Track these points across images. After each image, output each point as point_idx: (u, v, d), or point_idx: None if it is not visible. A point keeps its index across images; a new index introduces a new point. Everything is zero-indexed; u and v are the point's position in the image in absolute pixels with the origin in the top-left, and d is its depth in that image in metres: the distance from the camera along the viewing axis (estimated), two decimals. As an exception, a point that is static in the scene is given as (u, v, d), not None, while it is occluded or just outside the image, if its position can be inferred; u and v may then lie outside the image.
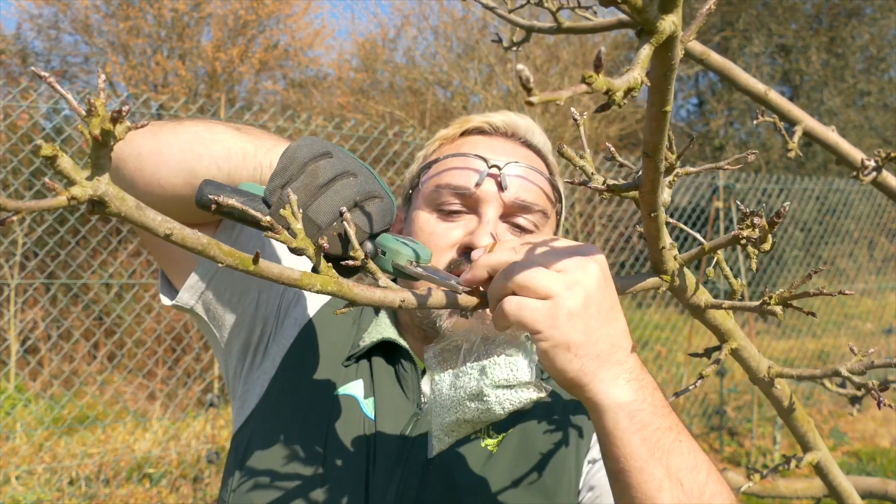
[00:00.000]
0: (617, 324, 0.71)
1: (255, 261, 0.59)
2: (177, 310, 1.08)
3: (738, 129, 14.59)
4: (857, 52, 14.87)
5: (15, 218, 0.47)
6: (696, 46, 1.05)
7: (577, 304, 0.68)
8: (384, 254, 0.80)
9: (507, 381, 0.77)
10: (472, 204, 1.00)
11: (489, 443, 1.00)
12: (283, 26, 12.70)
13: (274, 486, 0.96)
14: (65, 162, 0.49)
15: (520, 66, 0.41)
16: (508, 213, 1.00)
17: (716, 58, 1.05)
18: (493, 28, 9.86)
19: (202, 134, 0.93)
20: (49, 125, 5.20)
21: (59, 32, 11.87)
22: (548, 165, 1.10)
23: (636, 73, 0.46)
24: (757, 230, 0.64)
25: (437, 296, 0.71)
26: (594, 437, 1.02)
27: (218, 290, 1.05)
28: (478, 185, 0.98)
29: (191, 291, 1.05)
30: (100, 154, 0.50)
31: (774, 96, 1.09)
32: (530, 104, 0.42)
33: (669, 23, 0.47)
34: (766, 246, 0.65)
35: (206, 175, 0.90)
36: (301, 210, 0.76)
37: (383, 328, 1.07)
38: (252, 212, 0.64)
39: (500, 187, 0.99)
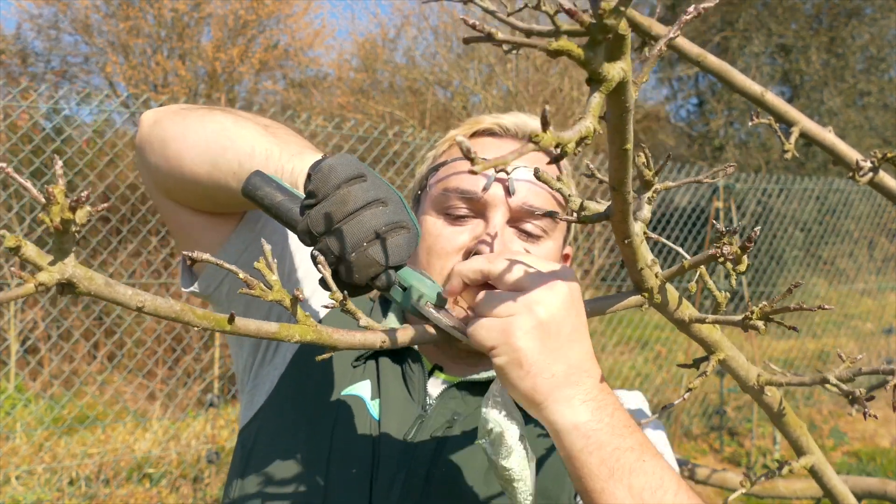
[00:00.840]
0: (579, 346, 0.71)
1: (231, 321, 0.60)
2: (194, 296, 1.08)
3: (738, 129, 14.58)
4: (857, 52, 14.86)
5: None
6: (693, 49, 1.05)
7: (533, 322, 0.68)
8: (403, 287, 0.80)
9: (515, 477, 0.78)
10: (479, 208, 0.99)
11: None
12: (283, 26, 12.70)
13: (278, 483, 0.96)
14: (29, 250, 0.50)
15: (459, 139, 0.42)
16: (516, 218, 1.00)
17: (712, 60, 1.05)
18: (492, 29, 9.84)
19: (229, 127, 0.93)
20: (49, 125, 5.19)
21: (59, 32, 11.87)
22: (559, 168, 1.09)
23: (588, 123, 0.47)
24: (733, 250, 0.66)
25: (407, 331, 0.72)
26: None
27: (236, 282, 1.05)
28: (485, 189, 0.97)
29: (208, 280, 1.06)
30: (63, 240, 0.52)
31: (771, 98, 1.09)
32: (474, 173, 0.43)
33: (618, 69, 0.47)
34: (742, 267, 0.66)
35: (227, 168, 0.90)
36: (323, 234, 0.76)
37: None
38: (228, 266, 0.65)
39: (508, 192, 0.98)
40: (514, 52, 1.10)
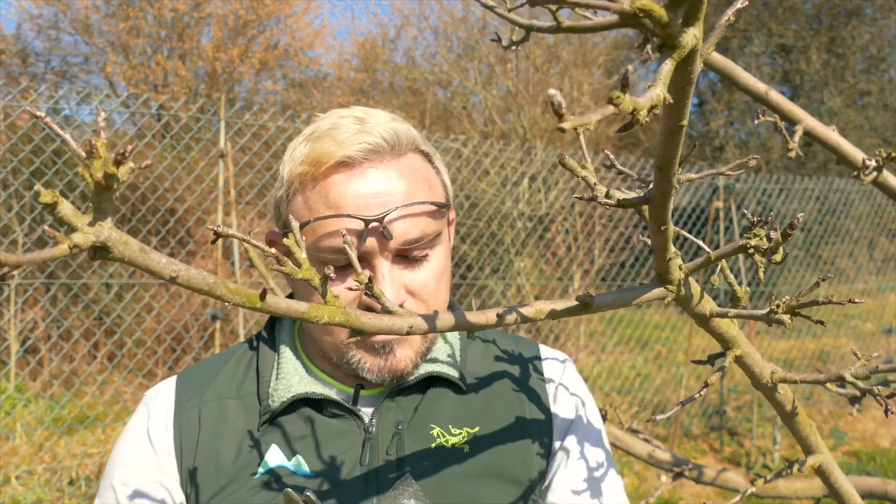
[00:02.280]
0: None
1: (263, 297, 0.59)
2: None
3: (738, 129, 14.58)
4: (857, 52, 14.87)
5: (16, 272, 0.47)
6: (697, 46, 1.04)
7: None
8: None
9: None
10: (360, 256, 0.95)
11: (455, 440, 0.98)
12: (283, 26, 12.71)
13: None
14: (65, 208, 0.47)
15: (552, 91, 0.40)
16: (399, 254, 0.97)
17: (716, 57, 1.05)
18: (493, 28, 9.85)
19: None
20: (49, 125, 5.18)
21: (59, 32, 11.88)
22: (423, 153, 1.02)
23: (658, 90, 0.45)
24: (766, 240, 0.63)
25: (447, 317, 0.70)
26: (560, 422, 1.05)
27: None
28: (360, 245, 0.93)
29: None
30: (102, 198, 0.49)
31: (775, 96, 1.09)
32: (562, 130, 0.41)
33: (691, 36, 0.46)
34: (778, 257, 0.64)
35: None
36: None
37: (290, 378, 1.01)
38: (256, 243, 0.64)
39: (384, 236, 0.94)
40: (515, 49, 1.09)
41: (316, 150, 0.96)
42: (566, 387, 1.09)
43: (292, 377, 1.02)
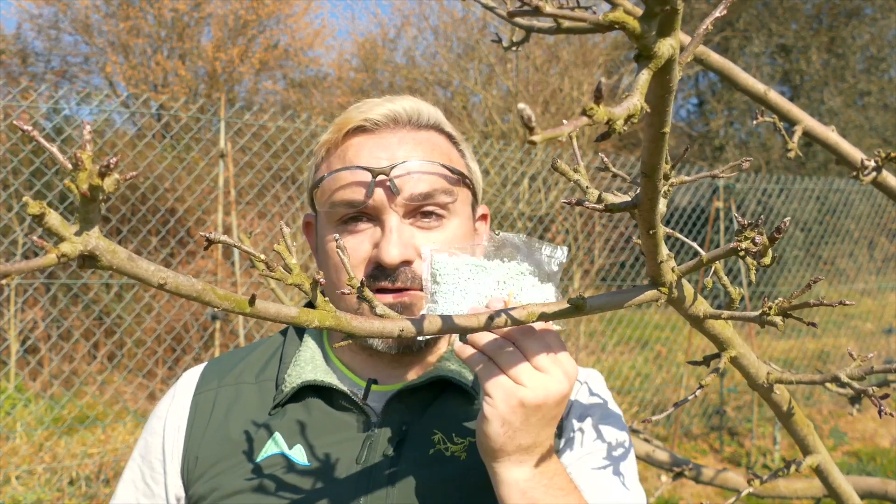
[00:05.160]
0: (549, 430, 0.83)
1: (252, 302, 0.59)
2: None
3: (738, 129, 14.58)
4: (857, 52, 14.86)
5: (4, 282, 0.47)
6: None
7: (534, 400, 0.79)
8: None
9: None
10: (370, 212, 0.98)
11: (455, 449, 0.96)
12: (283, 26, 12.72)
13: None
14: (53, 219, 0.48)
15: (521, 105, 0.40)
16: (410, 211, 0.98)
17: (715, 58, 1.05)
18: (493, 28, 9.85)
19: None
20: (49, 125, 5.19)
21: (59, 32, 11.88)
22: (447, 135, 1.06)
23: (635, 100, 0.46)
24: (756, 244, 0.64)
25: (435, 321, 0.69)
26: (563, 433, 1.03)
27: None
28: (368, 196, 0.96)
29: None
30: (88, 209, 0.50)
31: (774, 96, 1.09)
32: (532, 143, 0.41)
33: (668, 46, 0.46)
34: (767, 260, 0.65)
35: None
36: None
37: (303, 366, 1.03)
38: (247, 248, 0.65)
39: (391, 192, 0.96)
40: (516, 50, 1.09)
41: (341, 119, 1.03)
42: (581, 401, 1.06)
43: (306, 365, 1.03)
